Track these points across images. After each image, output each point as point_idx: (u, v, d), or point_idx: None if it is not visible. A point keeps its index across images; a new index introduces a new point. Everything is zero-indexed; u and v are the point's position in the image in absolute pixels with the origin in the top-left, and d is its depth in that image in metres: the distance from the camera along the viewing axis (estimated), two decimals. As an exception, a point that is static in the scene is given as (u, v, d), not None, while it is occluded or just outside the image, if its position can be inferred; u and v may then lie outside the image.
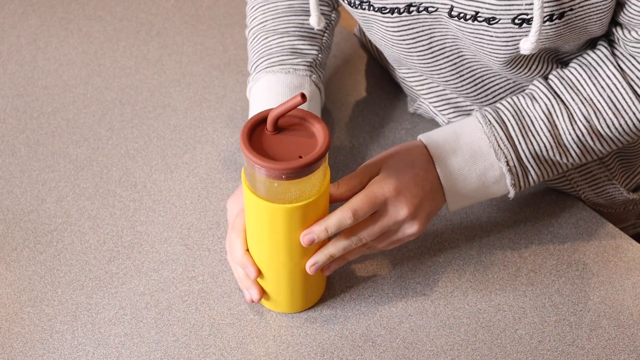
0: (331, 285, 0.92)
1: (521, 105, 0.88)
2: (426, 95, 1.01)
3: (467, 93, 0.95)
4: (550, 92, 0.87)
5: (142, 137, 1.05)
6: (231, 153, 1.04)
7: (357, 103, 1.10)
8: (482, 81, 0.94)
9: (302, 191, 0.77)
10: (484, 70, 0.92)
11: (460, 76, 0.93)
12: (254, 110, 0.95)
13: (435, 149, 0.87)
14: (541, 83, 0.88)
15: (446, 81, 0.94)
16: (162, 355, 0.86)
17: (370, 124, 1.07)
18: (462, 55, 0.91)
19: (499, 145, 0.86)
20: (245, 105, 1.09)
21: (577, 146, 0.88)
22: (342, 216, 0.81)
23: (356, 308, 0.90)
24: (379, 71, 1.14)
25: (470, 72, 0.93)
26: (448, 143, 0.87)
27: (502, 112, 0.88)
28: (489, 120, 0.87)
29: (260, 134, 0.77)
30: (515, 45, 0.84)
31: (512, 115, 0.87)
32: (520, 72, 0.90)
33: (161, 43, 1.17)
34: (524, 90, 0.93)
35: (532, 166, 0.88)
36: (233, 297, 0.90)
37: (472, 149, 0.87)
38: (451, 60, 0.91)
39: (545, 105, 0.87)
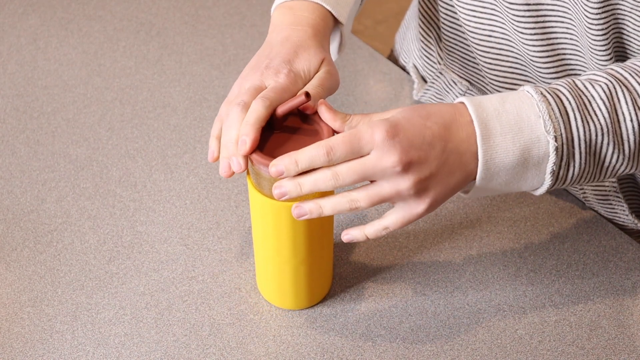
0: (332, 285, 0.92)
1: (578, 85, 0.77)
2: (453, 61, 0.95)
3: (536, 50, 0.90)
4: (612, 77, 0.77)
5: (142, 137, 1.05)
6: (231, 153, 1.04)
7: (357, 103, 1.10)
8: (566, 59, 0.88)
9: None
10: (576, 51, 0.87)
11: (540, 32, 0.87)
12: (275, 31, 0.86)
13: (477, 107, 0.74)
14: (599, 70, 0.79)
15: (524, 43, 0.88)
16: (162, 355, 0.86)
17: (370, 124, 1.07)
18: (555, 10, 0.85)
19: (549, 117, 0.74)
20: (245, 105, 1.09)
21: (634, 140, 0.77)
22: (315, 151, 0.72)
23: (356, 308, 0.90)
24: (379, 71, 1.14)
25: (552, 31, 0.87)
26: (492, 104, 0.75)
27: (557, 87, 0.77)
28: (541, 91, 0.76)
29: (265, 133, 0.77)
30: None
31: (569, 91, 0.76)
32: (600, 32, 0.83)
33: (161, 43, 1.17)
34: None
35: (580, 152, 0.76)
36: (233, 297, 0.90)
37: (519, 116, 0.75)
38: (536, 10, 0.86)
39: (607, 86, 0.76)
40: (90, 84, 1.11)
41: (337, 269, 0.93)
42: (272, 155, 0.76)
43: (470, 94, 1.04)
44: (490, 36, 0.94)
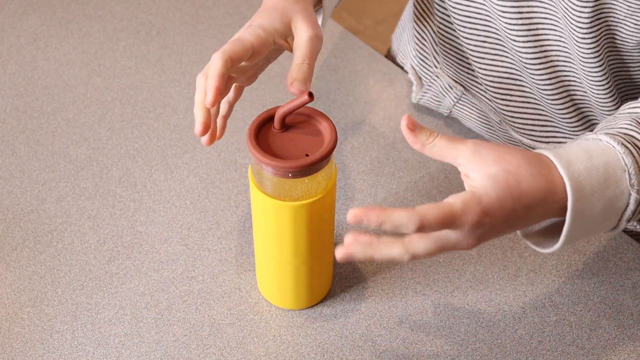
0: (332, 285, 0.92)
1: None
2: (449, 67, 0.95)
3: (530, 60, 0.90)
4: None
5: (142, 137, 1.05)
6: (231, 153, 1.04)
7: (357, 103, 1.10)
8: (549, 44, 0.88)
9: (309, 189, 0.78)
10: (558, 44, 0.88)
11: (536, 44, 0.87)
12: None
13: (568, 166, 0.71)
14: None
15: (515, 41, 0.88)
16: (162, 355, 0.86)
17: (370, 124, 1.07)
18: (548, 18, 0.86)
19: (634, 171, 0.72)
20: (245, 106, 1.09)
21: None
22: (407, 220, 0.67)
23: (356, 308, 0.90)
24: (379, 71, 1.14)
25: (544, 37, 0.87)
26: (582, 162, 0.71)
27: (630, 133, 0.74)
28: (622, 142, 0.72)
29: (267, 132, 0.77)
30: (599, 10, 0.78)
31: None
32: (593, 54, 0.82)
33: (161, 43, 1.17)
34: (626, 110, 0.79)
35: None
36: (233, 297, 0.90)
37: (607, 172, 0.71)
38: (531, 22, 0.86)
39: None
40: (90, 84, 1.11)
41: (337, 269, 0.93)
42: (274, 154, 0.76)
43: (465, 98, 1.04)
44: (484, 42, 0.95)
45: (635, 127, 0.75)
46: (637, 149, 0.73)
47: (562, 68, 0.91)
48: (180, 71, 1.13)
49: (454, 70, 1.02)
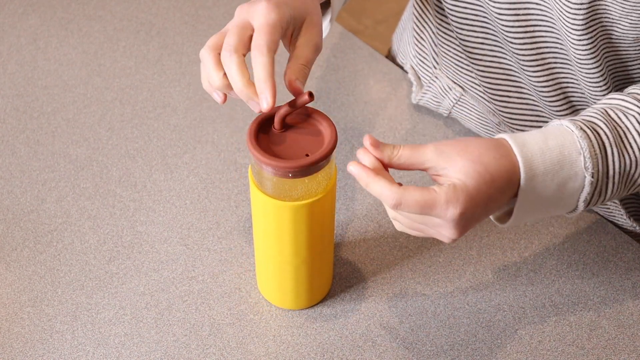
0: (332, 285, 0.92)
1: (612, 116, 0.78)
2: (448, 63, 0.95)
3: (519, 49, 0.91)
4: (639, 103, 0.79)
5: (142, 137, 1.05)
6: (231, 153, 1.04)
7: (357, 103, 1.10)
8: (545, 43, 0.88)
9: (309, 189, 0.78)
10: (551, 34, 0.88)
11: (532, 42, 0.88)
12: None
13: (522, 147, 0.75)
14: (626, 96, 0.80)
15: (507, 36, 0.89)
16: (162, 355, 0.86)
17: (370, 123, 1.07)
18: (543, 16, 0.86)
19: (590, 154, 0.75)
20: (245, 105, 1.09)
21: None
22: (388, 193, 0.72)
23: (356, 308, 0.90)
24: (379, 71, 1.14)
25: (535, 30, 0.88)
26: (536, 143, 0.76)
27: (593, 120, 0.78)
28: (580, 126, 0.77)
29: (267, 132, 0.77)
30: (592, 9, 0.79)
31: (606, 125, 0.77)
32: (587, 51, 0.83)
33: (161, 43, 1.17)
34: (601, 101, 0.83)
35: (613, 182, 0.78)
36: (233, 297, 0.90)
37: (561, 153, 0.75)
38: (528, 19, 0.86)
39: (635, 118, 0.78)
40: (90, 84, 1.11)
41: (337, 269, 0.93)
42: (274, 154, 0.75)
43: (464, 100, 1.04)
44: (482, 43, 0.95)
45: (600, 115, 0.78)
46: (596, 134, 0.76)
47: (560, 69, 0.91)
48: (180, 71, 1.13)
49: (453, 71, 1.02)
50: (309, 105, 0.79)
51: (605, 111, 0.78)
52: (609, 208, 0.98)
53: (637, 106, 0.78)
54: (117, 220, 0.97)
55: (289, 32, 0.79)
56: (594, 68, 0.87)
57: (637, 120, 0.78)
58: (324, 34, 0.91)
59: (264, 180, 0.77)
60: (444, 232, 0.74)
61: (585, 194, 0.77)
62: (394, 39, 1.20)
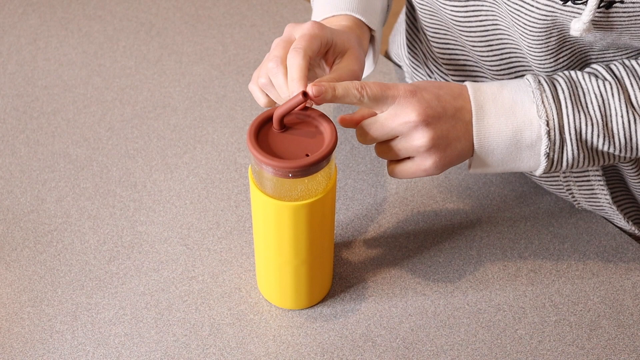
0: (332, 285, 0.92)
1: (576, 77, 0.83)
2: (446, 64, 0.97)
3: (491, 65, 0.93)
4: (610, 74, 0.82)
5: (142, 137, 1.05)
6: (231, 153, 1.04)
7: (357, 103, 1.10)
8: (510, 57, 0.90)
9: (309, 189, 0.78)
10: (513, 47, 0.89)
11: (489, 45, 0.90)
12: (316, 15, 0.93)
13: (476, 90, 0.81)
14: (601, 66, 0.84)
15: (473, 46, 0.91)
16: (162, 355, 0.86)
17: (370, 124, 1.07)
18: (496, 24, 0.87)
19: (542, 103, 0.81)
20: (245, 105, 1.09)
21: (624, 135, 0.82)
22: (351, 84, 0.77)
23: (356, 308, 0.90)
24: (379, 71, 1.14)
25: (500, 43, 0.90)
26: (490, 90, 0.82)
27: (555, 77, 0.83)
28: (539, 80, 0.82)
29: (267, 132, 0.77)
30: (552, 21, 0.81)
31: (565, 82, 0.82)
32: (546, 60, 0.86)
33: (161, 43, 1.17)
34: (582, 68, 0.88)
35: (570, 139, 0.81)
36: (233, 297, 0.91)
37: (513, 100, 0.81)
38: (484, 26, 0.88)
39: (603, 83, 0.82)
40: (90, 84, 1.11)
41: (337, 269, 0.93)
42: (274, 154, 0.76)
43: None
44: (454, 53, 0.94)
45: (565, 75, 0.83)
46: (552, 87, 0.81)
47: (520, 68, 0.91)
48: (180, 71, 1.13)
49: (445, 76, 1.02)
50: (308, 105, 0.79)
51: (575, 73, 0.83)
52: (607, 212, 0.98)
53: (609, 75, 0.82)
54: (117, 220, 0.97)
55: (330, 56, 0.84)
56: (548, 63, 0.87)
57: (599, 85, 0.81)
58: (367, 72, 0.95)
59: (264, 180, 0.77)
60: (406, 117, 0.78)
61: (544, 147, 0.81)
62: (390, 41, 1.20)
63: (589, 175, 0.96)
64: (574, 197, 0.98)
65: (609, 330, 0.89)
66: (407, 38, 1.06)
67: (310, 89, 0.75)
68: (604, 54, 0.86)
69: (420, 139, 0.78)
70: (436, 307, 0.90)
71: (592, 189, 0.97)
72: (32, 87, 1.11)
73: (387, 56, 1.21)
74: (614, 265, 0.94)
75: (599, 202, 0.97)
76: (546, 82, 0.82)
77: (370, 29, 0.92)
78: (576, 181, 0.96)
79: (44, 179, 1.01)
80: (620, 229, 0.99)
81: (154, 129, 1.06)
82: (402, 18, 1.14)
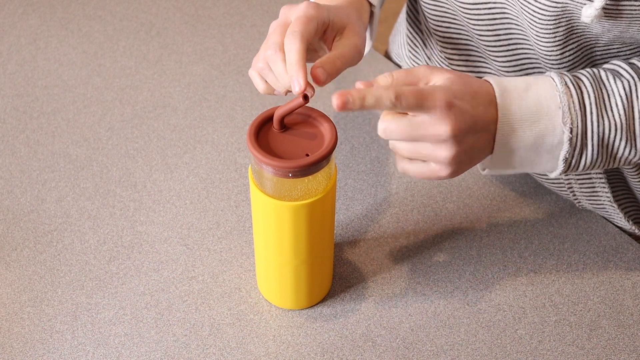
0: (332, 285, 0.92)
1: (601, 77, 0.80)
2: (450, 55, 0.97)
3: (497, 56, 0.92)
4: (636, 72, 0.80)
5: (142, 137, 1.05)
6: (231, 153, 1.04)
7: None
8: (516, 47, 0.89)
9: (309, 189, 0.78)
10: (520, 37, 0.89)
11: (496, 35, 0.89)
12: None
13: (503, 92, 0.79)
14: (624, 62, 0.82)
15: (480, 36, 0.90)
16: (162, 355, 0.86)
17: (370, 123, 1.07)
18: (505, 12, 0.87)
19: (569, 109, 0.78)
20: (245, 105, 1.09)
21: None
22: (384, 93, 0.73)
23: (356, 308, 0.90)
24: (379, 71, 1.14)
25: (507, 33, 0.89)
26: (516, 90, 0.79)
27: (581, 78, 0.80)
28: (565, 81, 0.79)
29: (267, 132, 0.78)
30: (562, 9, 0.80)
31: (591, 84, 0.79)
32: (552, 52, 0.85)
33: (161, 43, 1.17)
34: (605, 65, 0.85)
35: (592, 145, 0.80)
36: (233, 297, 0.91)
37: (539, 104, 0.78)
38: (493, 14, 0.87)
39: (628, 83, 0.80)
40: (90, 84, 1.11)
41: (337, 269, 0.93)
42: (274, 154, 0.76)
43: None
44: (461, 50, 0.94)
45: (591, 74, 0.80)
46: (578, 91, 0.78)
47: (527, 62, 0.91)
48: (180, 71, 1.13)
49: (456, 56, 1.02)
50: (309, 105, 0.79)
51: (598, 72, 0.80)
52: (607, 211, 0.98)
53: (630, 74, 0.80)
54: (117, 220, 0.97)
55: (329, 35, 0.82)
56: (557, 59, 0.87)
57: (624, 85, 0.79)
58: (366, 50, 0.93)
59: (264, 180, 0.77)
60: (442, 125, 0.75)
61: (564, 152, 0.79)
62: (389, 40, 1.20)
63: (590, 173, 0.96)
64: (574, 195, 0.98)
65: (609, 330, 0.89)
66: (407, 36, 1.06)
67: (335, 100, 0.72)
68: (608, 48, 0.86)
69: (446, 151, 0.76)
70: (436, 307, 0.90)
71: (594, 187, 0.97)
72: (32, 87, 1.11)
73: (387, 56, 1.20)
74: (614, 265, 0.94)
75: (599, 200, 0.98)
76: (572, 83, 0.79)
77: (371, 4, 0.90)
78: (577, 179, 0.97)
79: (44, 179, 1.01)
80: (620, 228, 0.99)
81: (154, 129, 1.06)
82: (402, 18, 1.14)
